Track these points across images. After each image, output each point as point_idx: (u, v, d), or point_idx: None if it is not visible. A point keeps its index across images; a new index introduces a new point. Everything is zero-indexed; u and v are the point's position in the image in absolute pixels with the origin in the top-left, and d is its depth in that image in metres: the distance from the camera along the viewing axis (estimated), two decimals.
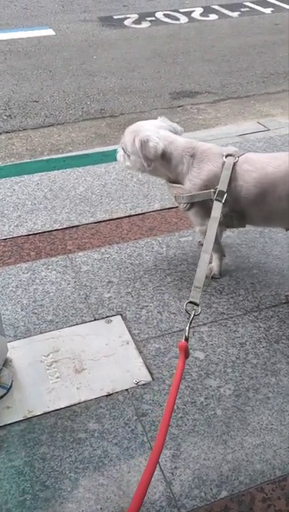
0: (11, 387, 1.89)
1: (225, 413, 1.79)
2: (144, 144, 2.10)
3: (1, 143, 4.13)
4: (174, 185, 2.23)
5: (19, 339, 2.09)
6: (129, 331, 2.13)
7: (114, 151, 2.34)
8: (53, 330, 2.14)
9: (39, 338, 2.10)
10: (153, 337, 2.10)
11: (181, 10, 7.73)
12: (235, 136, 3.85)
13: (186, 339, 1.71)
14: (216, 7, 7.85)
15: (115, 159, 2.34)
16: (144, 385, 1.90)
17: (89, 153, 3.75)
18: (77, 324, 2.17)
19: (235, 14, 7.55)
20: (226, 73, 5.49)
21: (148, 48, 6.24)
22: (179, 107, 4.77)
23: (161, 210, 2.93)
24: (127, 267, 2.49)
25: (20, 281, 2.40)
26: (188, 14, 7.55)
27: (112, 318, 2.19)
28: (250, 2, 8.02)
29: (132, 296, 2.31)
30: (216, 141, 3.52)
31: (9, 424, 1.76)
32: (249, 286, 2.37)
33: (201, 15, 7.54)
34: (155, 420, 1.76)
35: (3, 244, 2.66)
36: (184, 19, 7.35)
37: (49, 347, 2.06)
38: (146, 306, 2.26)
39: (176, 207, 2.64)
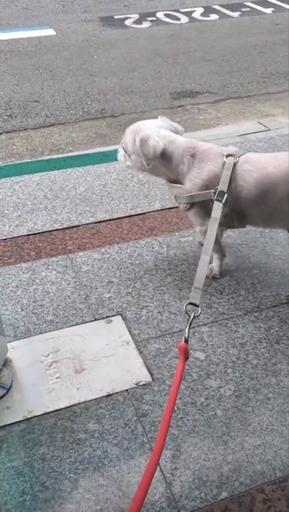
0: (10, 387, 1.89)
1: (225, 414, 1.79)
2: (144, 142, 2.10)
3: (1, 143, 4.13)
4: (175, 185, 2.23)
5: (19, 339, 2.09)
6: (130, 331, 2.12)
7: (115, 151, 2.34)
8: (53, 330, 2.14)
9: (39, 339, 2.10)
10: (153, 337, 2.10)
11: (182, 10, 7.73)
12: (235, 136, 3.85)
13: (186, 340, 1.71)
14: (217, 7, 7.85)
15: (116, 159, 2.33)
16: (144, 385, 1.89)
17: (89, 153, 3.75)
18: (77, 324, 2.17)
19: (236, 14, 7.54)
20: (226, 73, 5.49)
21: (149, 47, 6.24)
22: (179, 106, 4.77)
23: (161, 210, 2.92)
24: (128, 267, 2.49)
25: (20, 281, 2.40)
26: (188, 14, 7.55)
27: (112, 318, 2.19)
28: (251, 2, 8.02)
29: (132, 297, 2.31)
30: (216, 141, 3.52)
31: (9, 424, 1.76)
32: (250, 287, 2.37)
33: (202, 15, 7.54)
34: (155, 421, 1.76)
35: (3, 244, 2.65)
36: (184, 19, 7.35)
37: (49, 347, 2.05)
38: (147, 306, 2.25)
39: (177, 207, 2.63)
